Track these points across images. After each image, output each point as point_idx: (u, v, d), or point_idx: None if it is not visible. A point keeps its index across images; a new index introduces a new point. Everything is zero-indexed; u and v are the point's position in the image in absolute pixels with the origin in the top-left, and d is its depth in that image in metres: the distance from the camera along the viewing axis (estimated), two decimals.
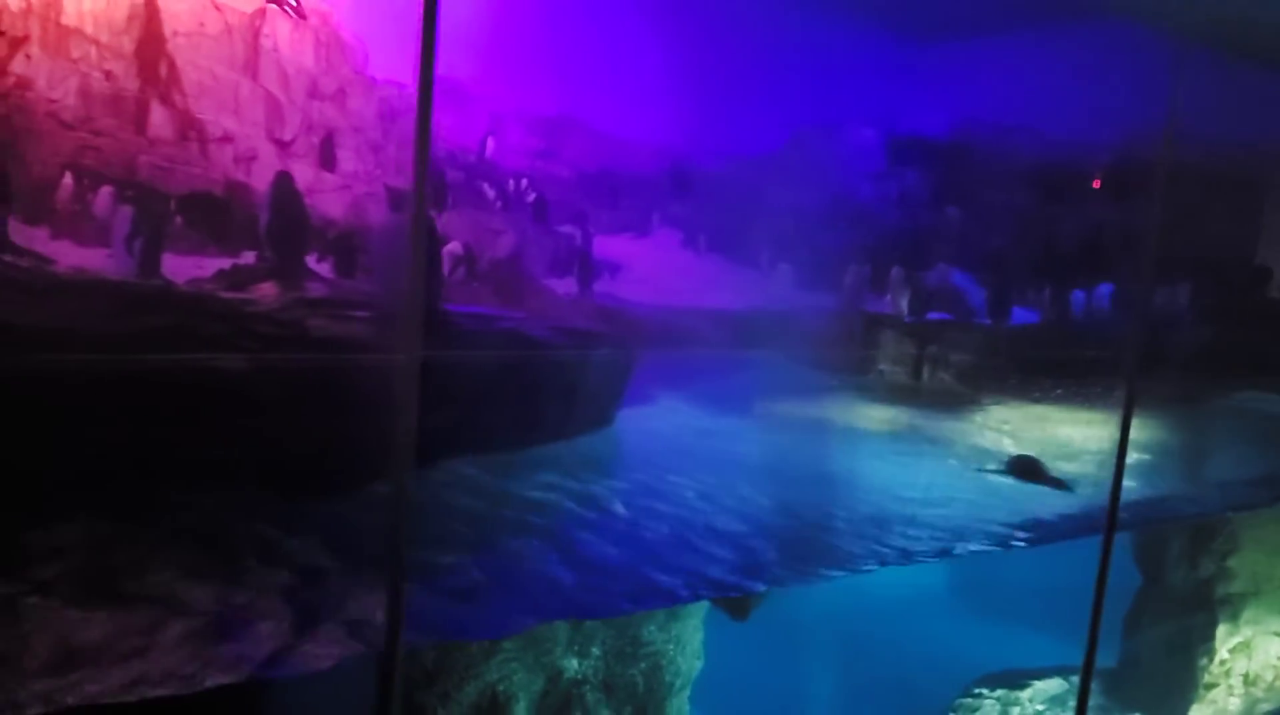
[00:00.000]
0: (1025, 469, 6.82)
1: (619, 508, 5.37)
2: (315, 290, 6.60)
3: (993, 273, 12.18)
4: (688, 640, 6.53)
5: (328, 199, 12.74)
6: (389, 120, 13.80)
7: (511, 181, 14.77)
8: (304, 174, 12.87)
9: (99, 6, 11.43)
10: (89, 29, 11.38)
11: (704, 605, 5.93)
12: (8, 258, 5.13)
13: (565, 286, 12.36)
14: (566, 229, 14.60)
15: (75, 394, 4.19)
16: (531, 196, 14.13)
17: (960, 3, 15.55)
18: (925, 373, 9.78)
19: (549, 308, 11.29)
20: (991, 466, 7.01)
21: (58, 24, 11.17)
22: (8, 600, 3.61)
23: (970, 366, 9.78)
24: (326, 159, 12.86)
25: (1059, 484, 6.87)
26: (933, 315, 11.06)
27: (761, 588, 4.63)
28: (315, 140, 12.93)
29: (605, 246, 14.46)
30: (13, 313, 4.66)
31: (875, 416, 8.51)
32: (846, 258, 12.52)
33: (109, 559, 3.88)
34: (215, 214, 11.63)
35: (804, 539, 5.28)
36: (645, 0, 16.80)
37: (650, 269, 14.21)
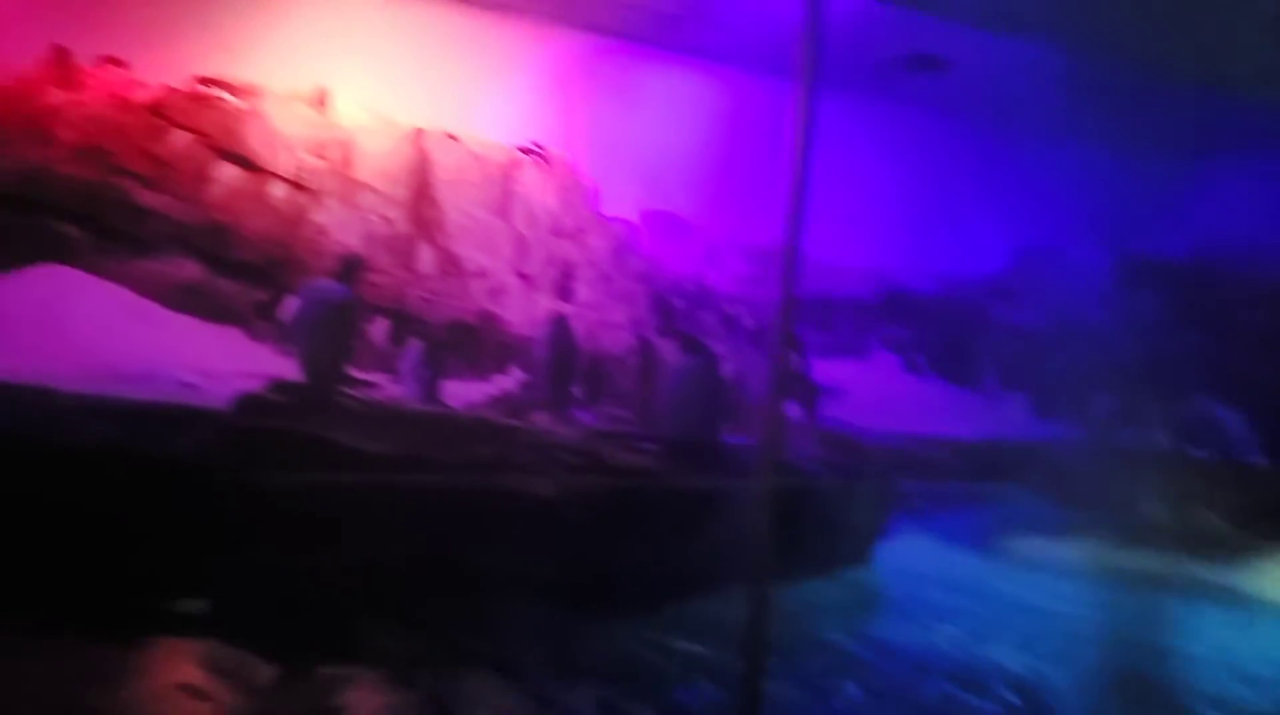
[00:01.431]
0: None
1: (899, 651, 5.30)
2: (592, 421, 7.13)
3: (1256, 404, 11.24)
4: None
5: None
6: (619, 254, 14.77)
7: (729, 308, 15.27)
8: (544, 304, 13.93)
9: (383, 162, 13.14)
10: (374, 182, 13.07)
11: None
12: (353, 391, 5.92)
13: (790, 412, 12.49)
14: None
15: (433, 512, 4.75)
16: (750, 323, 14.53)
17: (1194, 119, 15.02)
18: (1192, 514, 9.07)
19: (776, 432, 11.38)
20: None
21: (349, 178, 12.91)
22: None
23: (1245, 508, 8.98)
24: (564, 290, 13.86)
25: None
26: (1193, 450, 10.30)
27: None
28: (555, 273, 14.01)
29: (824, 371, 14.54)
30: (363, 439, 5.35)
31: (1143, 561, 7.94)
32: (1084, 385, 11.97)
33: (452, 662, 4.27)
34: (471, 342, 12.74)
35: (1107, 695, 4.99)
36: (852, 129, 17.33)
37: (872, 394, 14.11)
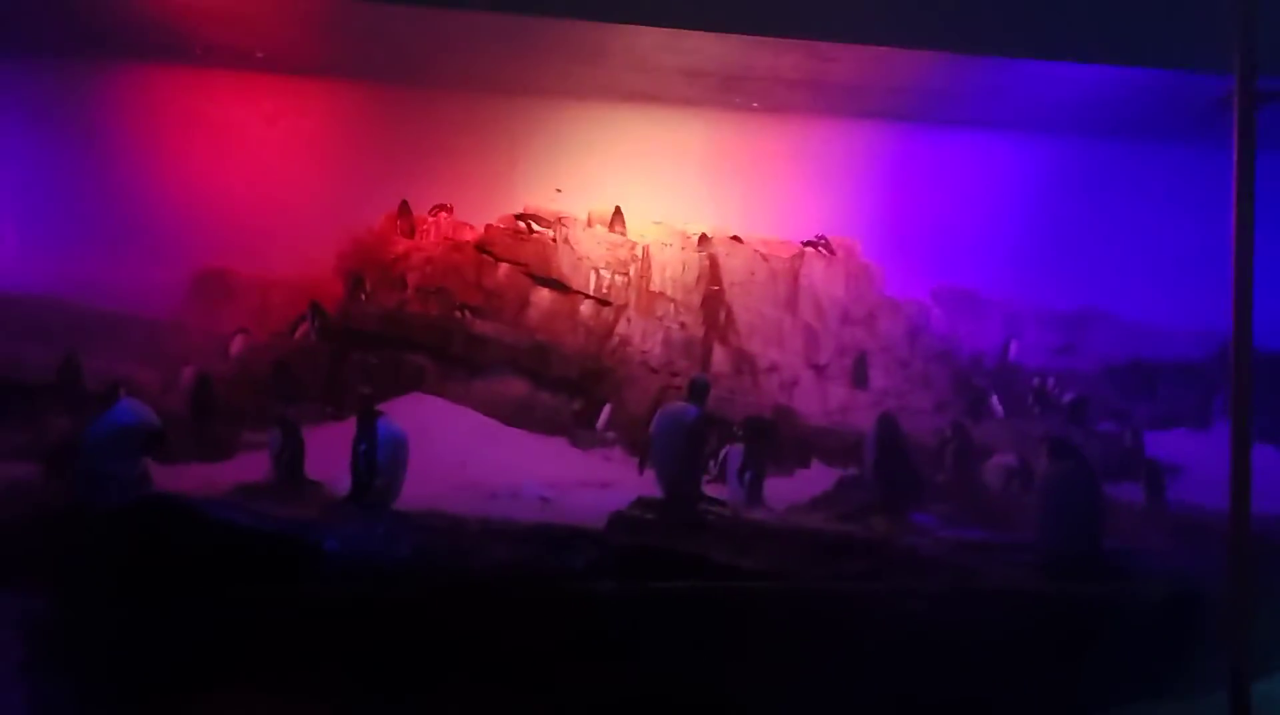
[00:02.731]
0: None
1: None
2: (931, 523, 6.91)
3: None
4: None
5: (862, 416, 13.45)
6: (913, 336, 14.42)
7: (1037, 381, 14.30)
8: (837, 394, 13.84)
9: (676, 272, 13.85)
10: (669, 291, 13.79)
11: None
12: (711, 507, 6.18)
13: (1126, 494, 11.33)
14: (1106, 428, 13.61)
15: (809, 628, 4.82)
16: (1068, 396, 13.49)
17: None
18: None
19: (1116, 522, 10.37)
20: None
21: (648, 291, 13.71)
22: None
23: None
24: (859, 378, 13.69)
25: None
26: None
27: None
28: (847, 362, 13.91)
29: (1156, 445, 13.12)
30: (733, 554, 5.54)
31: None
32: None
33: None
34: (768, 438, 12.85)
35: None
36: (1171, 179, 15.92)
37: (1219, 470, 12.48)
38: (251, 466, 9.23)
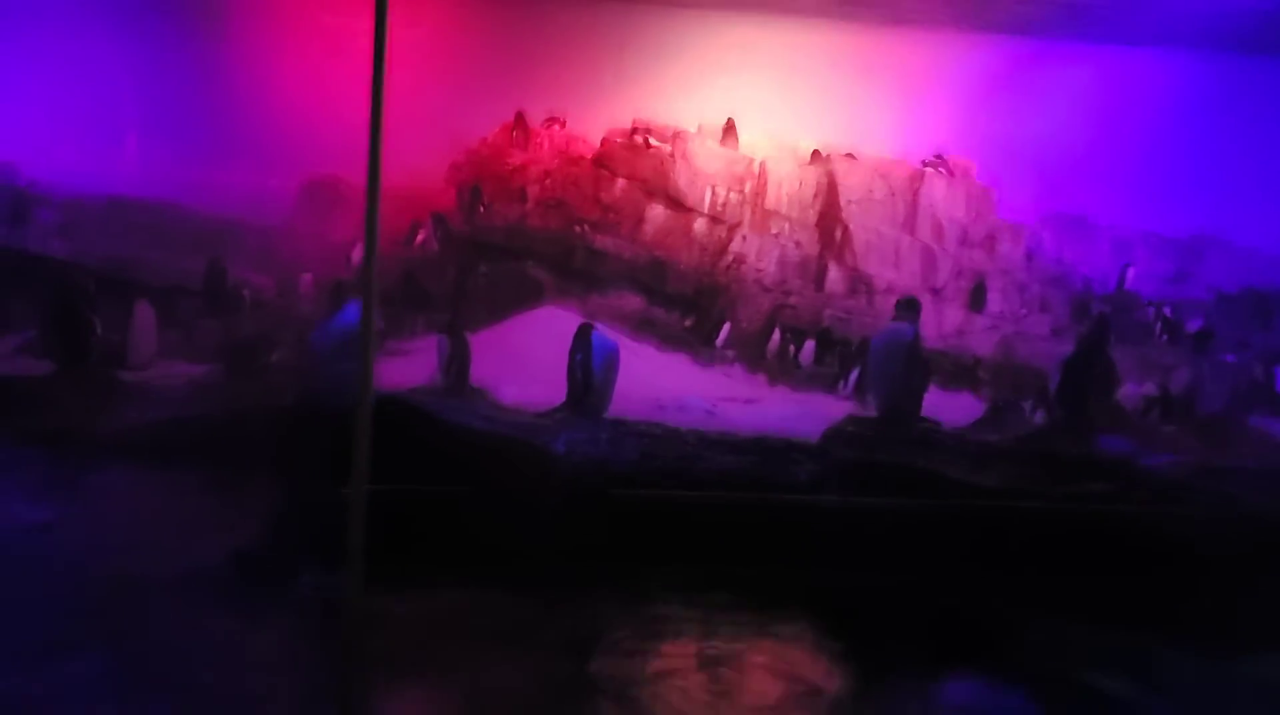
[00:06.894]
0: None
1: None
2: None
3: None
4: None
5: (978, 339, 13.28)
6: (1030, 260, 14.11)
7: (1153, 310, 14.01)
8: (953, 317, 13.62)
9: (793, 189, 13.56)
10: (784, 208, 13.52)
11: None
12: (930, 426, 6.13)
13: (1267, 425, 11.16)
14: (1229, 359, 13.36)
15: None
16: (1190, 326, 13.23)
17: None
18: None
19: (1266, 453, 10.22)
20: None
21: (762, 208, 13.46)
22: None
23: None
24: (976, 301, 13.44)
25: None
26: None
27: None
28: (964, 285, 13.65)
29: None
30: (962, 471, 5.50)
31: None
32: None
33: None
34: None
35: None
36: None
37: None
38: (399, 371, 9.27)
